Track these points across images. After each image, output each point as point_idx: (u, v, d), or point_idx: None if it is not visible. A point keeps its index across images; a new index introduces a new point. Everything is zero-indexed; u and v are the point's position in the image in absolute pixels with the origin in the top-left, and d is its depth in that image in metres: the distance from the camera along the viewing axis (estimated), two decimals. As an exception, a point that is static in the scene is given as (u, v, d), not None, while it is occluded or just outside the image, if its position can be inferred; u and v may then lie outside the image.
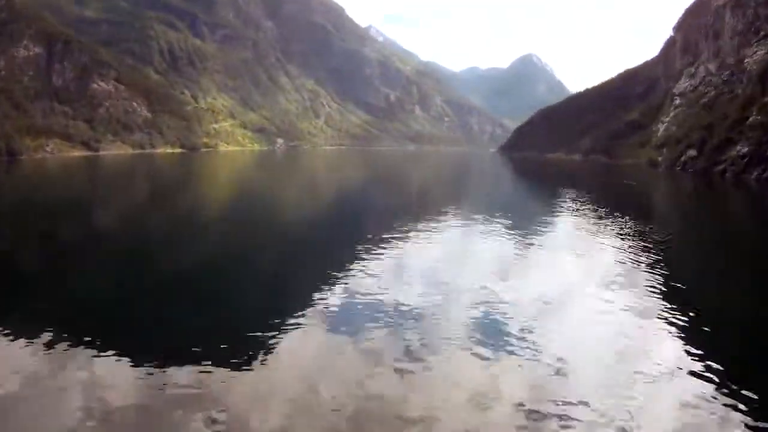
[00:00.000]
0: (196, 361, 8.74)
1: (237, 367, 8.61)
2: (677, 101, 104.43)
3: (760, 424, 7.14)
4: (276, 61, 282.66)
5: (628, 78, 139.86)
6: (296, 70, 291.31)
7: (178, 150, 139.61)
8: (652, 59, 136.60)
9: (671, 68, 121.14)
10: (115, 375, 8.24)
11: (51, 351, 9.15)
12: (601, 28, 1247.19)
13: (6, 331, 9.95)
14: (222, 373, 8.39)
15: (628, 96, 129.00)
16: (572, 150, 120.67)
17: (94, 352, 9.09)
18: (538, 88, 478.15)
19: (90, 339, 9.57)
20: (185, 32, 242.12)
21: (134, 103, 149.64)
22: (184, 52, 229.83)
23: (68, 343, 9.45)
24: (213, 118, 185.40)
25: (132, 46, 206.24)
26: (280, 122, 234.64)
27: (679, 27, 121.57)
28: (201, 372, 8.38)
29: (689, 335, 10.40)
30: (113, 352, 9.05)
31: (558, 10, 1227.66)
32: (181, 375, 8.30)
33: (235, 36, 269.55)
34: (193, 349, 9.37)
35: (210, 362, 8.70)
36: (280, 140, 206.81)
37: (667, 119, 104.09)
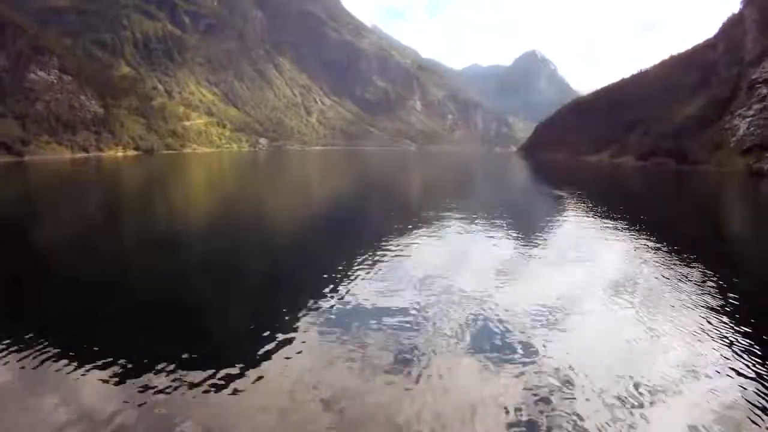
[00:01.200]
0: (178, 374, 8.27)
1: (223, 378, 8.18)
2: (764, 90, 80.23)
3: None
4: (264, 54, 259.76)
5: (675, 66, 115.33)
6: (287, 62, 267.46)
7: (131, 153, 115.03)
8: (704, 43, 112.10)
9: (738, 51, 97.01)
10: (93, 393, 7.78)
11: (24, 369, 8.51)
12: (605, 23, 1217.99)
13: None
14: (207, 385, 7.97)
15: (678, 86, 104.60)
16: (621, 151, 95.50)
17: (71, 368, 8.43)
18: (543, 85, 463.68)
19: (66, 355, 8.92)
20: (164, 21, 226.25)
21: (82, 97, 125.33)
22: (161, 43, 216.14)
23: (44, 361, 8.73)
24: (184, 115, 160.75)
25: (102, 36, 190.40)
26: (265, 119, 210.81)
27: (751, 0, 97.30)
28: (184, 385, 7.94)
29: (699, 347, 9.63)
30: (90, 368, 8.43)
31: (558, 3, 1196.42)
32: (164, 389, 7.84)
33: (220, 26, 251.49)
34: (176, 361, 8.70)
35: (194, 375, 8.25)
36: (262, 140, 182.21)
37: (750, 113, 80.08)
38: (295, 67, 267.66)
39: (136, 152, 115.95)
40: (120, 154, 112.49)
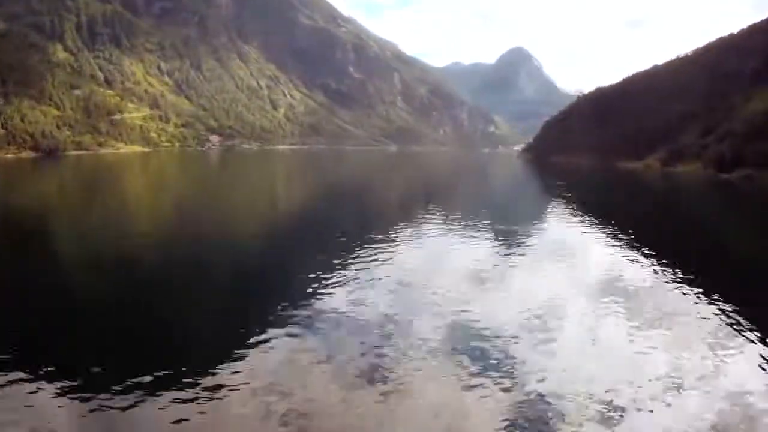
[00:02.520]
0: (141, 387, 7.68)
1: (188, 390, 7.63)
2: None
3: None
4: (227, 41, 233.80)
5: (723, 50, 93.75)
6: (253, 51, 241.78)
7: (26, 154, 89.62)
8: (762, 22, 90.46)
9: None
10: (50, 409, 7.14)
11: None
12: (590, 20, 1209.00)
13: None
14: (171, 398, 7.44)
15: (731, 74, 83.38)
16: (676, 157, 71.60)
17: (27, 384, 7.74)
18: (528, 83, 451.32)
19: (21, 370, 8.10)
20: (114, 4, 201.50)
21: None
22: (108, 27, 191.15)
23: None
24: (117, 107, 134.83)
25: (42, 19, 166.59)
26: (222, 114, 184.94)
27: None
28: (147, 399, 7.41)
29: (691, 359, 9.12)
30: (47, 384, 7.72)
31: (540, 1, 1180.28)
32: (125, 403, 7.28)
33: (178, 9, 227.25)
34: (138, 374, 8.01)
35: (157, 388, 7.69)
36: (214, 137, 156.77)
37: None
38: (262, 56, 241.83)
39: (33, 153, 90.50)
40: (11, 155, 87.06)
